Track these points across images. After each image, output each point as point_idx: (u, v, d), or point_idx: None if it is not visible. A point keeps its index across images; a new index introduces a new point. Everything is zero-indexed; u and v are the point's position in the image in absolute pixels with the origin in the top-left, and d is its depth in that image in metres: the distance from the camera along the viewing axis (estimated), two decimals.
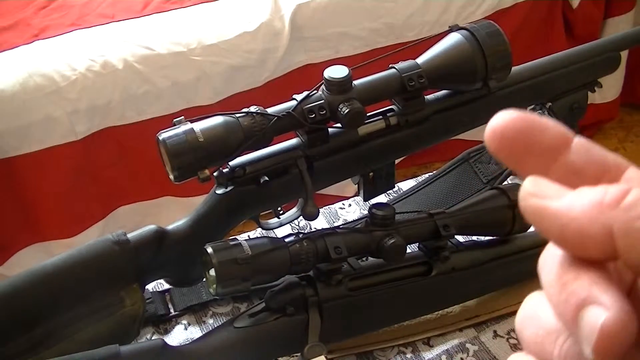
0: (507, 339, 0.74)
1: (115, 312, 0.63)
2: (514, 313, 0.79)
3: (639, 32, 0.79)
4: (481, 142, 0.89)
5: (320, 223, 0.89)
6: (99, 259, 0.63)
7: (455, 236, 0.71)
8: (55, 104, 1.58)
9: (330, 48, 1.78)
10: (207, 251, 0.61)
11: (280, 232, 0.79)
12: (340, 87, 0.63)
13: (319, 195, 0.67)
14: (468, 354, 0.73)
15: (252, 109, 0.63)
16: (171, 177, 0.61)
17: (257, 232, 0.86)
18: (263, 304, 0.66)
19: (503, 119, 0.24)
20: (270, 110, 0.63)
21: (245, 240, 0.63)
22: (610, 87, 2.05)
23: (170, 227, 0.67)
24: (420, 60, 0.67)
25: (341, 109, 0.63)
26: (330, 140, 0.66)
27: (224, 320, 0.73)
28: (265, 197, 0.66)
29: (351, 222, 0.74)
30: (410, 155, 0.76)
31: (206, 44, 1.68)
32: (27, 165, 1.59)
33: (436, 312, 0.75)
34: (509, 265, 0.74)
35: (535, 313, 0.26)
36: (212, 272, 0.61)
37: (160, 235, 0.66)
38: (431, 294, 0.71)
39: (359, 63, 0.68)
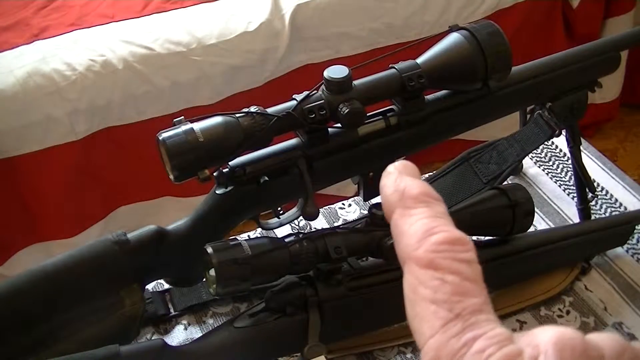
0: None
1: (115, 312, 0.63)
2: (514, 313, 0.79)
3: (639, 32, 0.79)
4: (481, 142, 0.89)
5: (320, 223, 0.89)
6: (99, 259, 0.63)
7: None
8: (55, 104, 1.58)
9: (330, 48, 1.78)
10: (207, 251, 0.61)
11: (280, 232, 0.79)
12: (340, 87, 0.63)
13: (319, 195, 0.67)
14: None
15: (252, 109, 0.62)
16: (171, 177, 0.61)
17: (257, 232, 0.86)
18: (263, 304, 0.66)
19: None
20: (270, 110, 0.63)
21: (245, 240, 0.63)
22: (610, 87, 2.05)
23: (170, 227, 0.67)
24: (420, 60, 0.67)
25: (341, 109, 0.63)
26: (330, 140, 0.66)
27: (224, 320, 0.73)
28: (265, 197, 0.66)
29: (351, 222, 0.74)
30: (410, 155, 0.76)
31: (206, 44, 1.68)
32: (27, 165, 1.59)
33: None
34: (509, 265, 0.74)
35: None
36: (212, 272, 0.61)
37: (160, 235, 0.66)
38: None
39: (359, 63, 0.68)
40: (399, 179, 0.31)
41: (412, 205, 0.30)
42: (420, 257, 0.28)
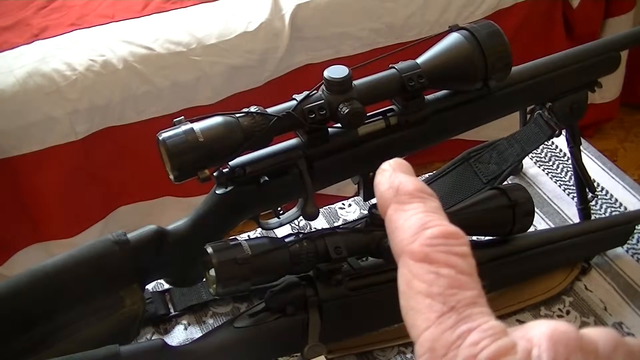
0: None
1: (115, 312, 0.63)
2: (514, 313, 0.79)
3: (639, 32, 0.79)
4: (481, 142, 0.89)
5: (320, 223, 0.89)
6: (99, 259, 0.63)
7: None
8: (55, 104, 1.58)
9: (330, 48, 1.78)
10: (207, 251, 0.61)
11: (280, 232, 0.79)
12: (340, 87, 0.63)
13: (319, 195, 0.67)
14: None
15: (252, 109, 0.62)
16: (171, 177, 0.61)
17: (257, 232, 0.86)
18: (263, 304, 0.66)
19: None
20: (270, 110, 0.63)
21: (245, 240, 0.63)
22: (610, 87, 2.05)
23: (170, 227, 0.67)
24: (420, 60, 0.67)
25: (341, 109, 0.63)
26: (330, 140, 0.66)
27: (224, 320, 0.73)
28: (265, 197, 0.66)
29: (351, 222, 0.74)
30: (410, 155, 0.76)
31: (206, 44, 1.68)
32: (27, 165, 1.59)
33: None
34: (509, 265, 0.74)
35: None
36: (212, 272, 0.61)
37: (160, 235, 0.66)
38: None
39: (359, 63, 0.68)
40: (394, 175, 0.32)
41: (406, 200, 0.30)
42: (415, 251, 0.28)
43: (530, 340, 0.25)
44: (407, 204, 0.30)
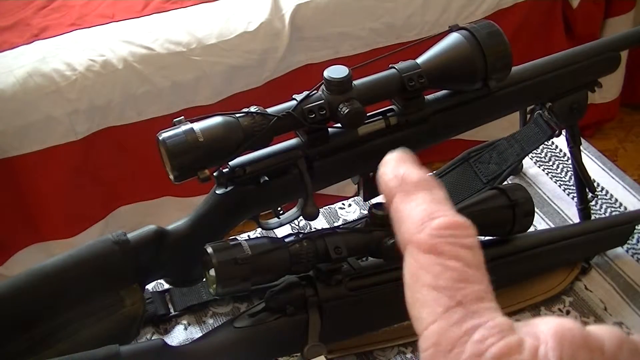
0: None
1: (115, 312, 0.63)
2: (514, 313, 0.79)
3: (639, 32, 0.79)
4: (481, 142, 0.89)
5: (320, 223, 0.89)
6: (98, 259, 0.63)
7: None
8: (55, 104, 1.58)
9: (330, 48, 1.78)
10: (207, 251, 0.61)
11: (280, 232, 0.79)
12: (340, 87, 0.63)
13: (319, 195, 0.67)
14: None
15: (252, 109, 0.62)
16: (171, 177, 0.61)
17: (257, 232, 0.86)
18: (263, 304, 0.66)
19: None
20: (270, 110, 0.63)
21: (245, 240, 0.63)
22: (610, 87, 2.05)
23: (170, 227, 0.67)
24: (420, 60, 0.67)
25: (341, 109, 0.63)
26: (330, 140, 0.66)
27: (224, 320, 0.73)
28: (265, 197, 0.66)
29: (351, 222, 0.74)
30: None
31: (206, 44, 1.68)
32: (27, 165, 1.59)
33: None
34: (509, 265, 0.74)
35: None
36: (212, 272, 0.61)
37: (160, 235, 0.66)
38: None
39: (359, 63, 0.68)
40: (398, 166, 0.32)
41: (412, 190, 0.30)
42: (422, 241, 0.28)
43: (536, 338, 0.25)
44: (413, 194, 0.30)
